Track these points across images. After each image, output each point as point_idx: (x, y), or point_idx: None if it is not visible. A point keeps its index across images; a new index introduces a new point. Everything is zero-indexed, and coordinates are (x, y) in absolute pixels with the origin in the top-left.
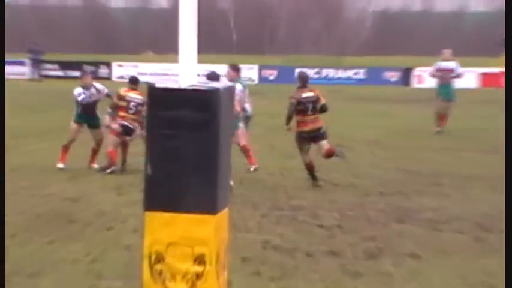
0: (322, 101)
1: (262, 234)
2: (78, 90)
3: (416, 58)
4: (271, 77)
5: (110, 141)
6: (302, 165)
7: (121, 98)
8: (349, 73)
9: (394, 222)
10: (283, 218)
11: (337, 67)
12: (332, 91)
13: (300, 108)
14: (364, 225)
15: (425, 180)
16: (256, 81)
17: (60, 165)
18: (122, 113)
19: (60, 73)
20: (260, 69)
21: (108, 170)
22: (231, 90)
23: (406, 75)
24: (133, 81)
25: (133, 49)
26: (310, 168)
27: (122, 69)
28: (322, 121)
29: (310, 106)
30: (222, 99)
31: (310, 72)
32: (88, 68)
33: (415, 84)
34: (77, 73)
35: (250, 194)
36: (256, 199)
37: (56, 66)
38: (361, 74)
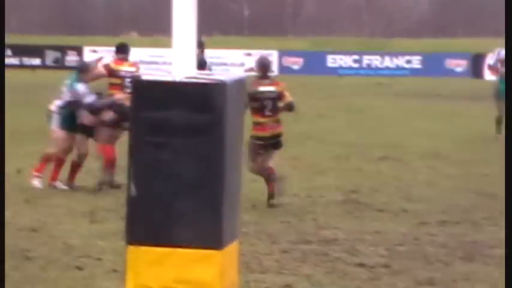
0: (288, 98)
1: (283, 276)
2: (81, 86)
3: (489, 40)
4: (295, 67)
5: (100, 135)
6: (336, 184)
7: (113, 73)
8: (400, 61)
9: (459, 260)
10: (310, 254)
11: (383, 53)
12: (376, 85)
13: (255, 106)
14: (420, 265)
15: (501, 205)
16: (276, 72)
17: (35, 182)
18: (115, 93)
19: (14, 61)
20: (280, 56)
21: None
22: (240, 83)
23: (476, 64)
24: (123, 50)
25: (111, 30)
26: (262, 173)
27: (96, 56)
28: (282, 126)
29: (270, 104)
30: (230, 95)
31: (348, 60)
32: (52, 54)
33: (487, 75)
34: (36, 61)
35: (267, 223)
36: (275, 229)
37: (8, 52)
38: (415, 62)
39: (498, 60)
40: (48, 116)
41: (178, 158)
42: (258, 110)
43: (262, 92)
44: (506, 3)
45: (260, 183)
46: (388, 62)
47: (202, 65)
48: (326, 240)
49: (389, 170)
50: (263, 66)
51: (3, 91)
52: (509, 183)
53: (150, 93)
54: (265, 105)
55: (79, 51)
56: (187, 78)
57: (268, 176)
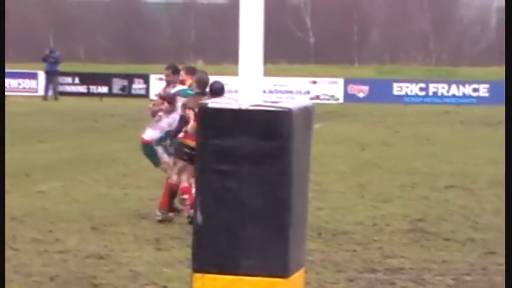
0: None
1: None
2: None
3: None
4: (361, 95)
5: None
6: (402, 213)
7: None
8: (467, 89)
9: None
10: (377, 283)
11: (449, 81)
12: (443, 113)
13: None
14: None
15: None
16: (341, 100)
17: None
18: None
19: (81, 89)
20: (346, 84)
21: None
22: (307, 111)
23: None
24: (216, 91)
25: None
26: (173, 190)
27: (162, 84)
28: None
29: None
30: (296, 122)
31: (414, 88)
32: (119, 82)
33: None
34: (104, 89)
35: (332, 251)
36: (340, 258)
37: (76, 80)
38: (482, 90)
39: None
40: (149, 149)
41: (245, 186)
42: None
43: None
44: (506, 3)
45: (326, 211)
46: (454, 90)
47: None
48: (392, 269)
49: (456, 198)
50: (203, 82)
51: (3, 92)
52: (509, 183)
53: (216, 121)
54: None
55: (146, 79)
56: (253, 105)
57: (176, 192)
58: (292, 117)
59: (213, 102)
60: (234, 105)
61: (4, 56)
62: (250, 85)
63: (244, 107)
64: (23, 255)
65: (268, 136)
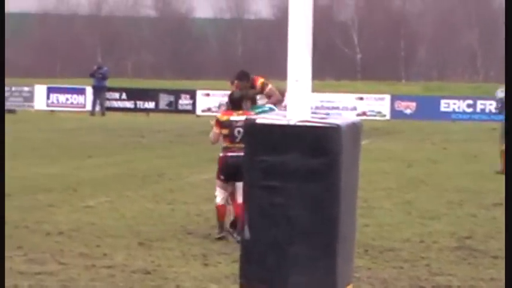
0: None
1: None
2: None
3: None
4: (408, 111)
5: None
6: (449, 230)
7: (222, 124)
8: None
9: None
10: None
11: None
12: (490, 130)
13: (226, 133)
14: None
15: None
16: (388, 116)
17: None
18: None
19: (128, 104)
20: (393, 101)
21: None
22: (356, 127)
23: None
24: (235, 101)
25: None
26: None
27: (209, 100)
28: None
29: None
30: (345, 139)
31: (461, 105)
32: (166, 98)
33: None
34: (151, 104)
35: (379, 268)
36: (387, 275)
37: (124, 96)
38: None
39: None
40: None
41: (293, 202)
42: (229, 137)
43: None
44: (506, 3)
45: (373, 228)
46: None
47: None
48: (440, 286)
49: (503, 216)
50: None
51: (3, 93)
52: (509, 183)
53: (264, 136)
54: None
55: (192, 94)
56: (301, 121)
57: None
58: (340, 133)
59: (262, 118)
60: (283, 121)
61: (4, 56)
62: (298, 101)
63: (292, 122)
64: (70, 269)
65: (317, 152)
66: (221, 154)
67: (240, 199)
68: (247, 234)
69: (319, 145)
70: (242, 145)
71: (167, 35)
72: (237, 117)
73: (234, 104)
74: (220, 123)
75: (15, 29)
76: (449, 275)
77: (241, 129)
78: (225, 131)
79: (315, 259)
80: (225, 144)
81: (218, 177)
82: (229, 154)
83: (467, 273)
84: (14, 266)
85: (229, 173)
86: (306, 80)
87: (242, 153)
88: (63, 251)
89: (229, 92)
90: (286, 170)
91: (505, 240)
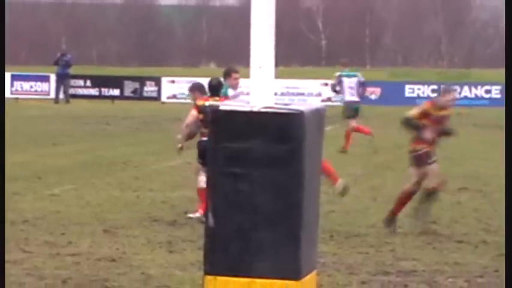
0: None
1: None
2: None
3: None
4: (373, 97)
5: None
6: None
7: (200, 109)
8: (479, 91)
9: None
10: (389, 286)
11: (462, 83)
12: (455, 115)
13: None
14: None
15: None
16: None
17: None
18: (202, 129)
19: (93, 91)
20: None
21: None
22: (319, 113)
23: None
24: (214, 87)
25: (190, 60)
26: None
27: (174, 87)
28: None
29: None
30: (308, 125)
31: (426, 90)
32: (130, 85)
33: None
34: (115, 91)
35: (345, 254)
36: (353, 261)
37: (88, 83)
38: (495, 92)
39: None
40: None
41: (257, 189)
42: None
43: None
44: (506, 3)
45: (339, 214)
46: (467, 92)
47: None
48: (405, 271)
49: (468, 201)
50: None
51: (3, 91)
52: (509, 183)
53: (227, 123)
54: None
55: (157, 82)
56: (265, 108)
57: None
58: (304, 119)
59: (225, 104)
60: (246, 108)
61: (4, 55)
62: (262, 87)
63: (256, 109)
64: (35, 258)
65: (281, 139)
66: (199, 139)
67: None
68: (211, 221)
69: (283, 132)
70: None
71: (132, 22)
72: (213, 103)
73: (212, 90)
74: (197, 108)
75: None
76: (414, 260)
77: None
78: (201, 116)
79: (279, 245)
80: (201, 129)
81: (198, 161)
82: (204, 139)
83: (432, 258)
84: None
85: (204, 156)
86: (269, 66)
87: None
88: (27, 239)
89: (193, 80)
90: (250, 157)
91: (505, 239)
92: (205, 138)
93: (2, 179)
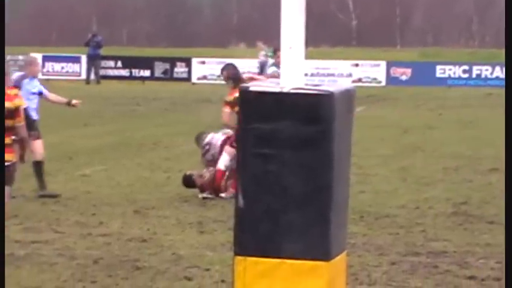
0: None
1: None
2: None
3: None
4: (404, 77)
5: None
6: (445, 196)
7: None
8: None
9: None
10: (419, 266)
11: (493, 63)
12: (486, 95)
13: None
14: None
15: None
16: (384, 83)
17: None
18: None
19: (124, 73)
20: (388, 67)
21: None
22: (349, 94)
23: None
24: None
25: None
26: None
27: (204, 68)
28: None
29: None
30: (338, 106)
31: (457, 71)
32: (161, 66)
33: None
34: (146, 73)
35: (375, 234)
36: (383, 241)
37: (119, 64)
38: None
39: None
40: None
41: (286, 170)
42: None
43: None
44: (506, 3)
45: (369, 194)
46: (498, 72)
47: None
48: (435, 252)
49: (499, 181)
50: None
51: (3, 89)
52: (509, 183)
53: (257, 104)
54: None
55: (188, 62)
56: (295, 89)
57: None
58: (334, 100)
59: (255, 86)
60: (276, 89)
61: (4, 54)
62: (292, 68)
63: (286, 90)
64: (66, 238)
65: (310, 120)
66: None
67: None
68: (241, 202)
69: (313, 113)
70: None
71: (162, 2)
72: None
73: (234, 80)
74: (229, 103)
75: None
76: (444, 241)
77: None
78: (236, 109)
79: (308, 226)
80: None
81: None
82: None
83: (462, 239)
84: (10, 235)
85: None
86: (299, 47)
87: None
88: (59, 219)
89: (224, 61)
90: (279, 138)
91: (505, 239)
92: None
93: (2, 178)
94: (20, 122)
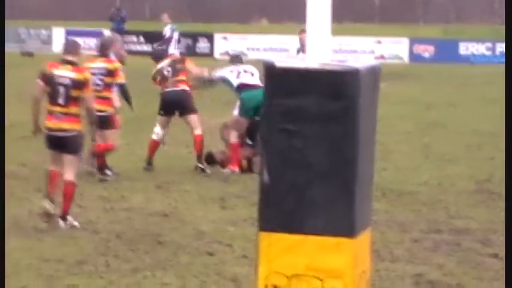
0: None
1: (414, 265)
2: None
3: None
4: (427, 54)
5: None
6: (468, 174)
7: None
8: None
9: None
10: (442, 244)
11: None
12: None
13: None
14: None
15: None
16: (406, 60)
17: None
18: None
19: (146, 47)
20: (411, 44)
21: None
22: (374, 71)
23: None
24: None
25: (242, 17)
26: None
27: (226, 43)
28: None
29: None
30: (363, 83)
31: (480, 48)
32: (183, 41)
33: None
34: None
35: (397, 211)
36: (405, 218)
37: (141, 39)
38: None
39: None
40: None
41: (311, 146)
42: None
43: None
44: (506, 4)
45: (391, 171)
46: None
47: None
48: (458, 229)
49: None
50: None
51: (3, 89)
52: (509, 184)
53: (283, 80)
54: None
55: (210, 38)
56: (320, 65)
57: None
58: (359, 77)
59: (280, 61)
60: (301, 64)
61: (4, 53)
62: (318, 44)
63: (311, 66)
64: (89, 212)
65: (335, 96)
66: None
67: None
68: (266, 177)
69: (338, 89)
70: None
71: None
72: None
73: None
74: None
75: None
76: (467, 218)
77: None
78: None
79: (333, 202)
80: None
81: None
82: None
83: (485, 216)
84: (33, 208)
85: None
86: (325, 23)
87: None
88: (82, 194)
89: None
90: (304, 114)
91: (505, 239)
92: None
93: (2, 178)
94: (88, 93)
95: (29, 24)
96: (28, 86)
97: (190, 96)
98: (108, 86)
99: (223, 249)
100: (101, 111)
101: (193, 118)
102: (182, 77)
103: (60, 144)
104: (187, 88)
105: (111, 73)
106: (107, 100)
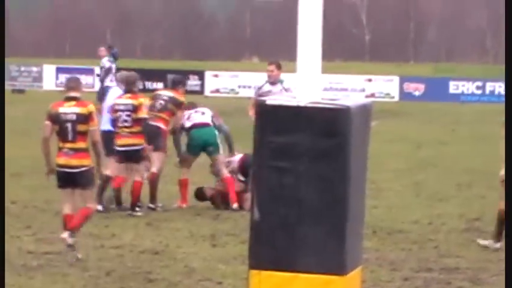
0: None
1: None
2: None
3: None
4: (417, 93)
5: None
6: (458, 212)
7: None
8: None
9: None
10: (432, 282)
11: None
12: (500, 112)
13: None
14: None
15: None
16: (397, 98)
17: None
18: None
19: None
20: (402, 82)
21: None
22: (366, 109)
23: None
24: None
25: (233, 55)
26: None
27: (217, 81)
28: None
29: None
30: (355, 120)
31: (471, 87)
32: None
33: None
34: (159, 85)
35: (388, 250)
36: (396, 257)
37: None
38: None
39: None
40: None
41: (302, 183)
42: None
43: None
44: (506, 4)
45: (382, 209)
46: None
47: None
48: (448, 268)
49: None
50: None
51: (3, 90)
52: (509, 184)
53: (274, 117)
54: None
55: (201, 75)
56: (311, 103)
57: None
58: (351, 115)
59: (272, 99)
60: (293, 102)
61: (4, 55)
62: (308, 82)
63: (302, 104)
64: (80, 249)
65: (327, 133)
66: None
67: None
68: (256, 214)
69: (330, 126)
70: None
71: (177, 15)
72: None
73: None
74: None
75: (25, 6)
76: (457, 257)
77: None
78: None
79: (324, 240)
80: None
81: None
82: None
83: (475, 255)
84: (23, 246)
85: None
86: (316, 61)
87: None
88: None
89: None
90: (295, 151)
91: (505, 239)
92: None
93: (1, 178)
94: (93, 126)
95: (20, 62)
96: (22, 122)
97: (163, 135)
98: (136, 121)
99: (214, 287)
100: (134, 144)
101: (155, 155)
102: (165, 116)
103: (71, 180)
104: (163, 126)
105: (136, 108)
106: (137, 135)
